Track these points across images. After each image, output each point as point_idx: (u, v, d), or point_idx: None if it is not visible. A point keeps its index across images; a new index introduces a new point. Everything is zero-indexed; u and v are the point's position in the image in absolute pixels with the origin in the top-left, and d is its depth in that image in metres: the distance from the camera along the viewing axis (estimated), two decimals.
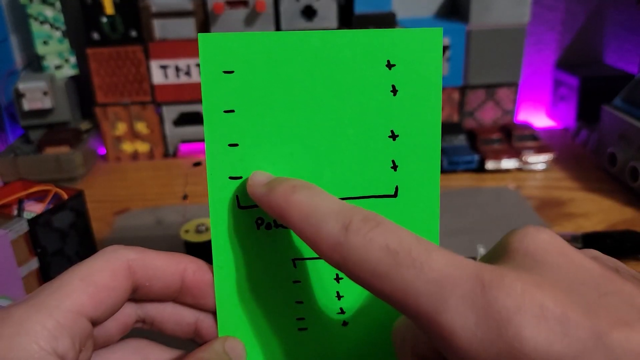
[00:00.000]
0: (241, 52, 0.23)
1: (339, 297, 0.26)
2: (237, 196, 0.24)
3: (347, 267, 0.19)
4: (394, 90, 0.24)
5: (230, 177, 0.24)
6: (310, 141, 0.24)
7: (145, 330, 0.25)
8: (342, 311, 0.26)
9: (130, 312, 0.24)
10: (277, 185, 0.22)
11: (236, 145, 0.24)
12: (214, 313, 0.25)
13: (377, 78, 0.24)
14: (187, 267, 0.24)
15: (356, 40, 0.24)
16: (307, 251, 0.25)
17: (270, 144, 0.24)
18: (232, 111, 0.24)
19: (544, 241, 0.18)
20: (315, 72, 0.24)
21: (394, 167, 0.24)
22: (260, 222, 0.25)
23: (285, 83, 0.24)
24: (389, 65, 0.24)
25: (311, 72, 0.24)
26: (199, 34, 0.23)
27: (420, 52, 0.24)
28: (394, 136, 0.24)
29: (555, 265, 0.18)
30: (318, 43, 0.23)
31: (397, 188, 0.25)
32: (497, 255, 0.19)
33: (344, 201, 0.21)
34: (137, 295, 0.24)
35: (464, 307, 0.16)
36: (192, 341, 0.26)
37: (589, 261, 0.18)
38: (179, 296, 0.24)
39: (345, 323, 0.26)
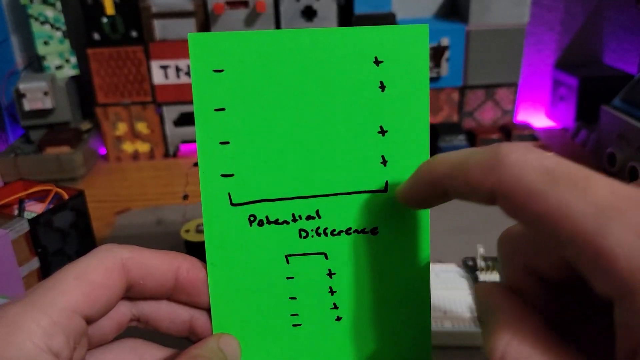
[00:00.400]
0: (231, 50, 0.24)
1: (332, 292, 0.26)
2: (229, 194, 0.25)
3: (501, 188, 0.18)
4: (382, 87, 0.24)
5: (222, 175, 0.25)
6: (301, 138, 0.24)
7: (140, 329, 0.26)
8: (335, 306, 0.26)
9: (124, 311, 0.24)
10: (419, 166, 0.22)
11: (227, 143, 0.24)
12: (208, 311, 0.25)
13: (366, 75, 0.24)
14: (181, 265, 0.24)
15: (344, 37, 0.24)
16: (299, 247, 0.25)
17: (261, 141, 0.24)
18: (223, 109, 0.24)
19: None
20: (304, 69, 0.24)
21: (384, 162, 0.25)
22: (253, 219, 0.25)
23: (274, 81, 0.24)
24: (377, 62, 0.24)
25: (300, 69, 0.24)
26: (188, 33, 0.24)
27: (407, 48, 0.24)
28: (383, 132, 0.25)
29: None
30: (307, 41, 0.24)
31: (387, 183, 0.25)
32: None
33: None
34: (131, 293, 0.24)
35: (631, 235, 0.15)
36: (187, 339, 0.26)
37: None
38: (173, 294, 0.25)
39: (339, 318, 0.26)
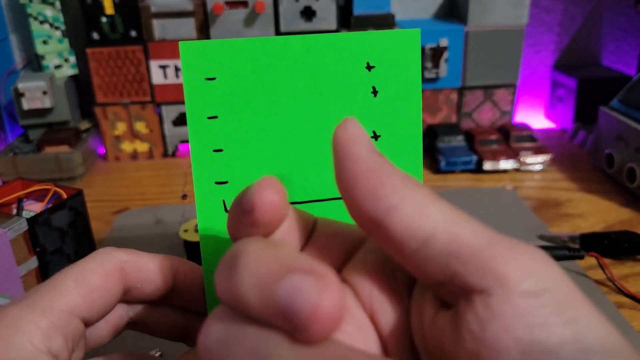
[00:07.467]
0: (222, 58, 0.24)
1: None
2: (223, 201, 0.25)
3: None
4: (375, 92, 0.24)
5: (217, 182, 0.24)
6: (294, 144, 0.25)
7: (136, 332, 0.26)
8: None
9: (121, 314, 0.24)
10: None
11: (221, 150, 0.24)
12: (205, 315, 0.25)
13: (358, 80, 0.24)
14: (178, 269, 0.24)
15: (336, 43, 0.24)
16: None
17: (255, 149, 0.24)
18: (216, 117, 0.24)
19: None
20: (296, 76, 0.24)
21: None
22: None
23: (267, 88, 0.24)
24: (369, 67, 0.24)
25: (292, 76, 0.24)
26: (179, 42, 0.24)
27: (399, 53, 0.24)
28: (375, 137, 0.25)
29: None
30: (298, 47, 0.24)
31: None
32: None
33: None
34: (128, 297, 0.24)
35: None
36: (183, 343, 0.26)
37: None
38: (170, 298, 0.25)
39: None
